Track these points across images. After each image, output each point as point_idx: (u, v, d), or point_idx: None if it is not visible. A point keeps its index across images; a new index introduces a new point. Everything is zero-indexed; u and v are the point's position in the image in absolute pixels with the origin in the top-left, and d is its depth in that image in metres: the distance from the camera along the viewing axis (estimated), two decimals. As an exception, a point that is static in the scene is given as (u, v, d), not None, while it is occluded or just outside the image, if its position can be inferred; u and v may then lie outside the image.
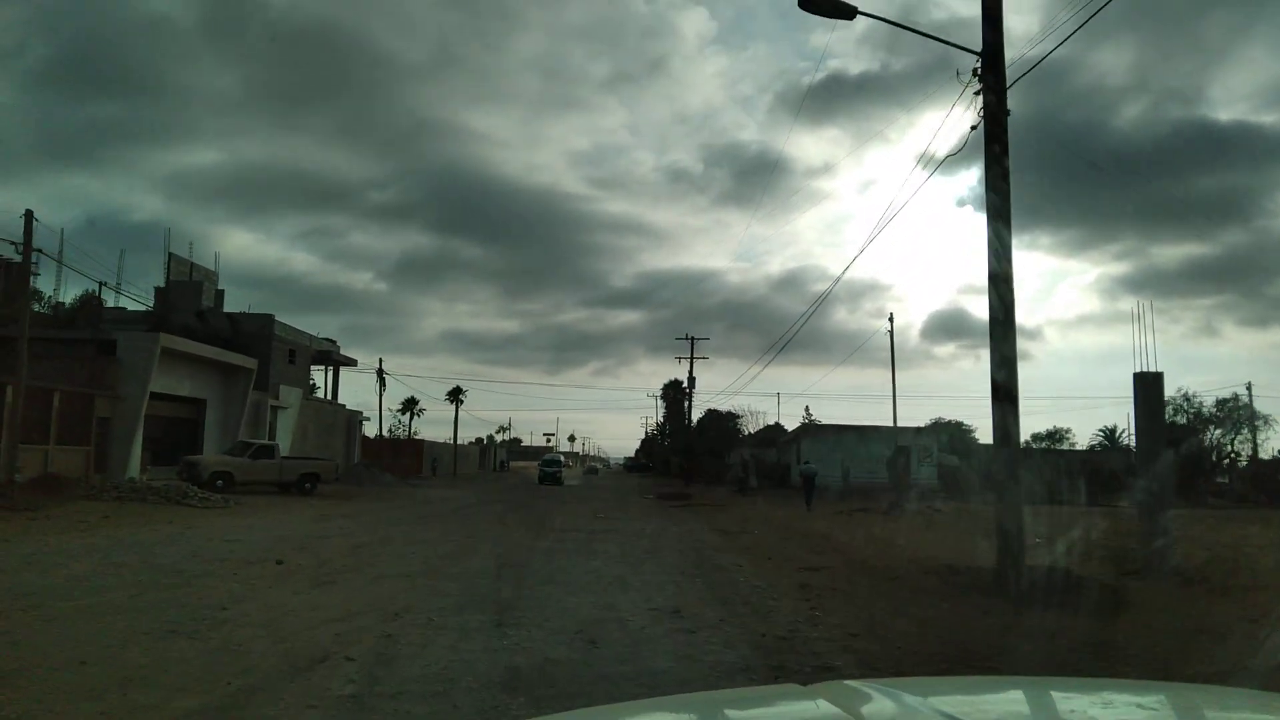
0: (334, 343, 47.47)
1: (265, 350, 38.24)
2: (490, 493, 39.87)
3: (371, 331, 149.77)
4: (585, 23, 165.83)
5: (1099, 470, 41.22)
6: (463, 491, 40.21)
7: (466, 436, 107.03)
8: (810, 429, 42.82)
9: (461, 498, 34.13)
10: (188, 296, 38.91)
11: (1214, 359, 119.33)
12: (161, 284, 38.87)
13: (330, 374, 48.78)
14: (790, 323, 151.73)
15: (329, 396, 48.15)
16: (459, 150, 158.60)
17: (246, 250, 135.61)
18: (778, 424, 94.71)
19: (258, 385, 37.16)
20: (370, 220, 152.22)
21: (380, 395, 48.75)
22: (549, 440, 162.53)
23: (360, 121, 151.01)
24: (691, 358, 61.34)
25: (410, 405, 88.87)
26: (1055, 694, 1.83)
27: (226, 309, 40.77)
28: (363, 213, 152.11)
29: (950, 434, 44.17)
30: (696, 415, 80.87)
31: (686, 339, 61.75)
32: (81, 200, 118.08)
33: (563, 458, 62.37)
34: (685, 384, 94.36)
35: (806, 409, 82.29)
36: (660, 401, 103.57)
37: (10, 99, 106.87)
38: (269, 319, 39.39)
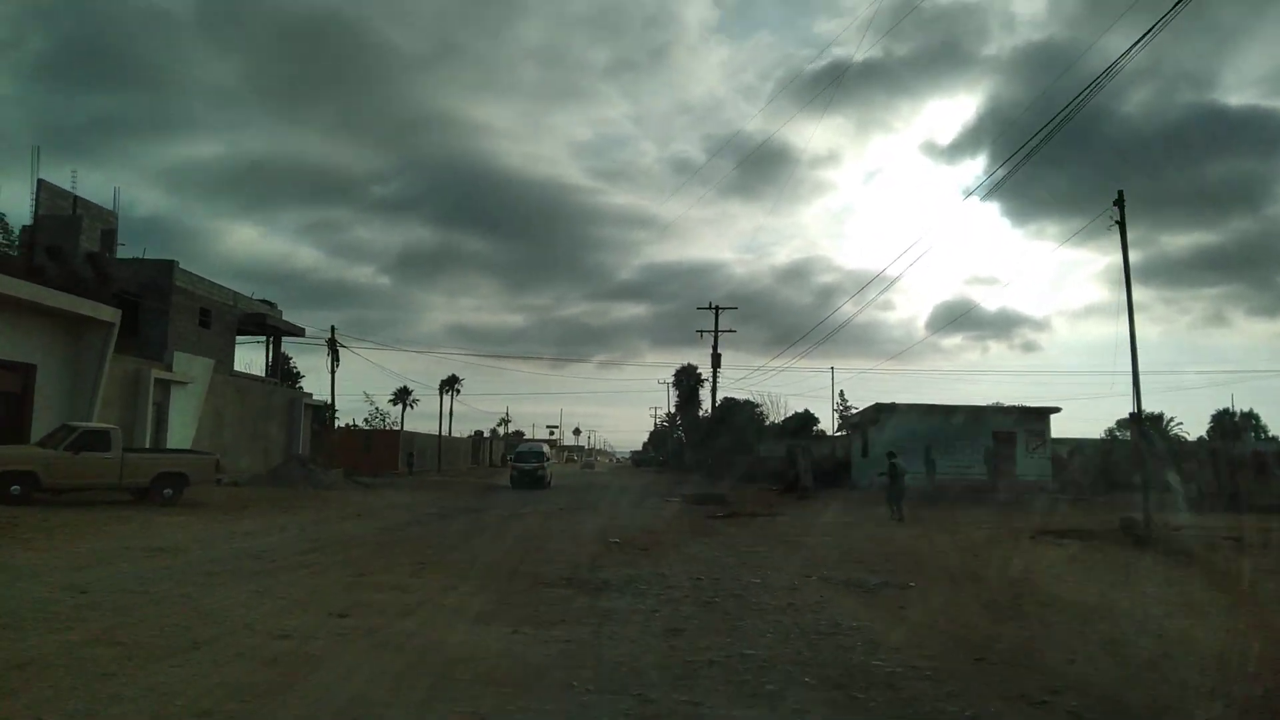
0: (271, 305, 37.66)
1: (160, 306, 28.43)
2: (461, 497, 30.00)
3: (374, 326, 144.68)
4: (586, 11, 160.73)
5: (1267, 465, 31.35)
6: (427, 495, 30.38)
7: (465, 430, 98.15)
8: (885, 410, 32.79)
9: (413, 505, 24.33)
10: (61, 235, 29.11)
11: (1223, 349, 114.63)
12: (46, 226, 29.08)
13: (271, 346, 38.98)
14: (798, 314, 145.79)
15: (270, 374, 38.35)
16: (461, 142, 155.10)
17: (251, 245, 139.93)
18: (806, 411, 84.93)
19: (145, 352, 27.34)
20: (373, 214, 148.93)
21: (332, 372, 39.07)
22: (552, 433, 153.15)
23: (362, 114, 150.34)
24: (716, 331, 51.44)
25: (403, 395, 79.52)
26: None
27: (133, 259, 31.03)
28: (366, 206, 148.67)
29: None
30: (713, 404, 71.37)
31: (710, 308, 51.88)
32: (82, 194, 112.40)
33: (546, 449, 43.68)
34: (700, 370, 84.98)
35: (841, 394, 72.25)
36: (672, 390, 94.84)
37: (9, 91, 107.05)
38: (168, 266, 29.62)
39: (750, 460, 55.62)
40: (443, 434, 66.64)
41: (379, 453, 54.21)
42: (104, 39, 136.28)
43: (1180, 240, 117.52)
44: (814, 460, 34.97)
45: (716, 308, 51.71)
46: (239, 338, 38.82)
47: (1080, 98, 13.68)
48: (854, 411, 36.53)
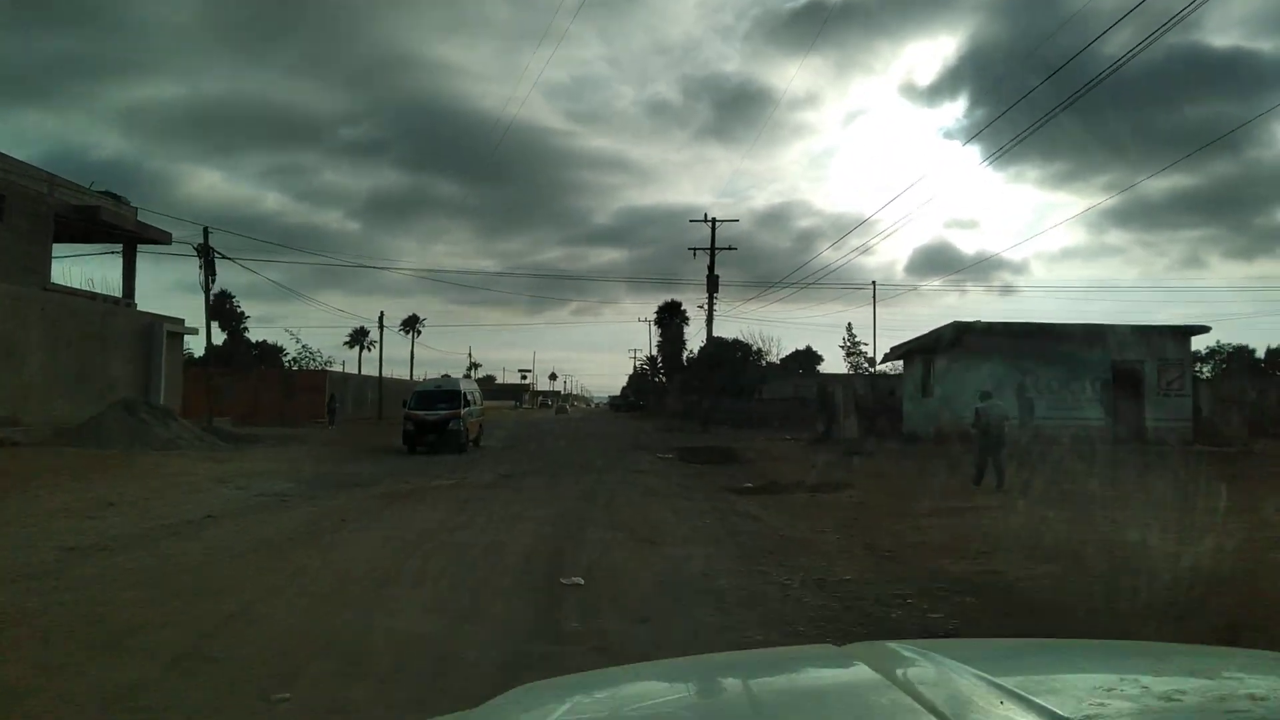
0: (118, 198, 27.63)
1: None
2: (343, 463, 20.55)
3: (345, 274, 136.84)
4: None
5: None
6: (297, 460, 21.01)
7: (430, 374, 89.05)
8: (963, 331, 23.52)
9: (233, 482, 14.89)
10: None
11: (1199, 292, 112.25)
12: None
13: (126, 257, 29.01)
14: (779, 259, 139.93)
15: (127, 294, 28.45)
16: (432, 84, 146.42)
17: (215, 189, 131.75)
18: (809, 349, 75.89)
19: None
20: (341, 157, 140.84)
21: (206, 289, 29.16)
22: (524, 378, 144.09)
23: (327, 54, 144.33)
24: (712, 248, 41.93)
25: (360, 337, 69.77)
26: (1108, 658, 1.78)
27: None
28: (333, 150, 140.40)
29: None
30: (699, 343, 62.22)
31: (705, 220, 42.32)
32: (40, 139, 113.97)
33: (467, 386, 27.36)
34: (684, 308, 75.49)
35: (849, 328, 63.20)
36: (654, 329, 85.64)
37: None
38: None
39: (753, 404, 46.79)
40: (389, 378, 57.08)
41: (303, 398, 44.68)
42: None
43: (1159, 182, 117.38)
44: (858, 402, 25.87)
45: (713, 220, 42.18)
46: (82, 245, 29.10)
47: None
48: (910, 339, 27.15)
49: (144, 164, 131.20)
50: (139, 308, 28.81)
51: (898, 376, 37.83)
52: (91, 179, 27.96)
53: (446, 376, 33.24)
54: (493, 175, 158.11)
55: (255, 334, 66.06)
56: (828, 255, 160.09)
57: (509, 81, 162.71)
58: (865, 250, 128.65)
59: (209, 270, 28.72)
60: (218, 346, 69.87)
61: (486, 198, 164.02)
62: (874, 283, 44.71)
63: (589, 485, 15.70)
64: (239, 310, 71.66)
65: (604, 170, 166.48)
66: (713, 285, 41.80)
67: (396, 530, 9.32)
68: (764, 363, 53.53)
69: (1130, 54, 13.52)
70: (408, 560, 7.42)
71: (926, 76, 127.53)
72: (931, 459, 20.72)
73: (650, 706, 1.65)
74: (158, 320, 28.24)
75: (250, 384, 44.97)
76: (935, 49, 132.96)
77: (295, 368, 50.94)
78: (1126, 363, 23.30)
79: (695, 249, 42.75)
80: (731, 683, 1.78)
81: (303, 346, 56.81)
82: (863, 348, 63.45)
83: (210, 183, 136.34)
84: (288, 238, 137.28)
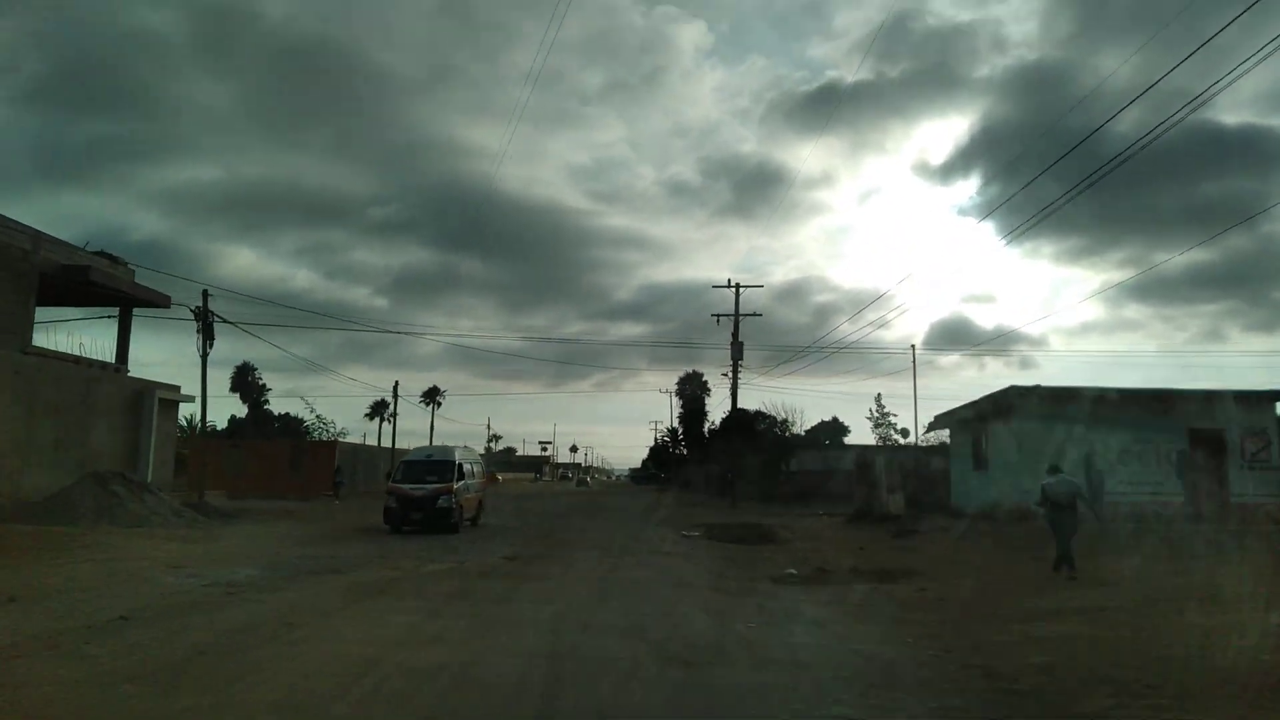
0: (113, 259, 26.19)
1: None
2: (325, 543, 18.32)
3: (371, 347, 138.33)
4: (581, 36, 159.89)
5: None
6: (278, 539, 18.87)
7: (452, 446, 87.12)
8: (1022, 396, 21.16)
9: (188, 568, 12.73)
10: None
11: (1221, 365, 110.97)
12: None
13: (121, 322, 27.46)
14: (797, 334, 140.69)
15: (120, 359, 26.79)
16: (458, 165, 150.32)
17: (249, 269, 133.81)
18: (835, 420, 73.34)
19: None
20: (371, 236, 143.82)
21: (204, 355, 27.31)
22: (544, 450, 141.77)
23: (358, 137, 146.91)
24: (737, 315, 40.04)
25: (380, 409, 68.40)
26: None
27: None
28: (363, 229, 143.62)
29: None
30: (720, 414, 59.94)
31: (729, 286, 40.50)
32: (79, 218, 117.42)
33: (465, 455, 24.14)
34: (706, 379, 73.39)
35: (878, 398, 60.72)
36: (675, 400, 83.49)
37: (6, 116, 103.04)
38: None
39: (781, 478, 44.16)
40: (397, 447, 55.05)
41: (312, 470, 42.60)
42: (100, 63, 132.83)
43: (1175, 259, 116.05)
44: (903, 475, 23.44)
45: (737, 285, 40.35)
46: (73, 309, 27.63)
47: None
48: (958, 407, 24.86)
49: (181, 243, 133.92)
50: (143, 375, 27.17)
51: (938, 448, 35.31)
52: (87, 240, 26.45)
53: (440, 446, 29.02)
54: (517, 253, 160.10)
55: (280, 406, 64.47)
56: (845, 330, 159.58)
57: (533, 163, 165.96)
58: (882, 325, 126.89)
59: (207, 335, 26.99)
60: (240, 419, 68.65)
61: (511, 275, 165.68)
62: (913, 347, 42.56)
63: (606, 571, 13.42)
64: (260, 383, 70.57)
65: (625, 248, 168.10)
66: (737, 352, 39.76)
67: (346, 644, 7.11)
68: (789, 434, 50.97)
69: (1151, 137, 12.41)
70: (335, 704, 5.22)
71: (939, 155, 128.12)
72: (991, 540, 18.28)
73: None
74: (149, 387, 26.48)
75: (258, 455, 43.03)
76: (947, 128, 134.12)
77: (314, 438, 49.06)
78: (1204, 431, 20.84)
79: (719, 315, 40.85)
80: None
81: (316, 416, 55.24)
82: (891, 419, 60.99)
83: (245, 261, 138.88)
84: (318, 312, 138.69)
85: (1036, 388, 21.13)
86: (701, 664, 6.51)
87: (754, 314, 41.79)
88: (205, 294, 27.12)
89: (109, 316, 28.22)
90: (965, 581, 12.09)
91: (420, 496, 20.49)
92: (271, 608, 9.08)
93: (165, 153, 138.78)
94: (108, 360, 26.38)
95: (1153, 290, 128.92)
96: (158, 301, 28.08)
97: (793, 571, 13.95)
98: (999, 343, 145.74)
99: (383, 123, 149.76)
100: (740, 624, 8.67)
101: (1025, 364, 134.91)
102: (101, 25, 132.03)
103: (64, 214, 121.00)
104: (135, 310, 28.16)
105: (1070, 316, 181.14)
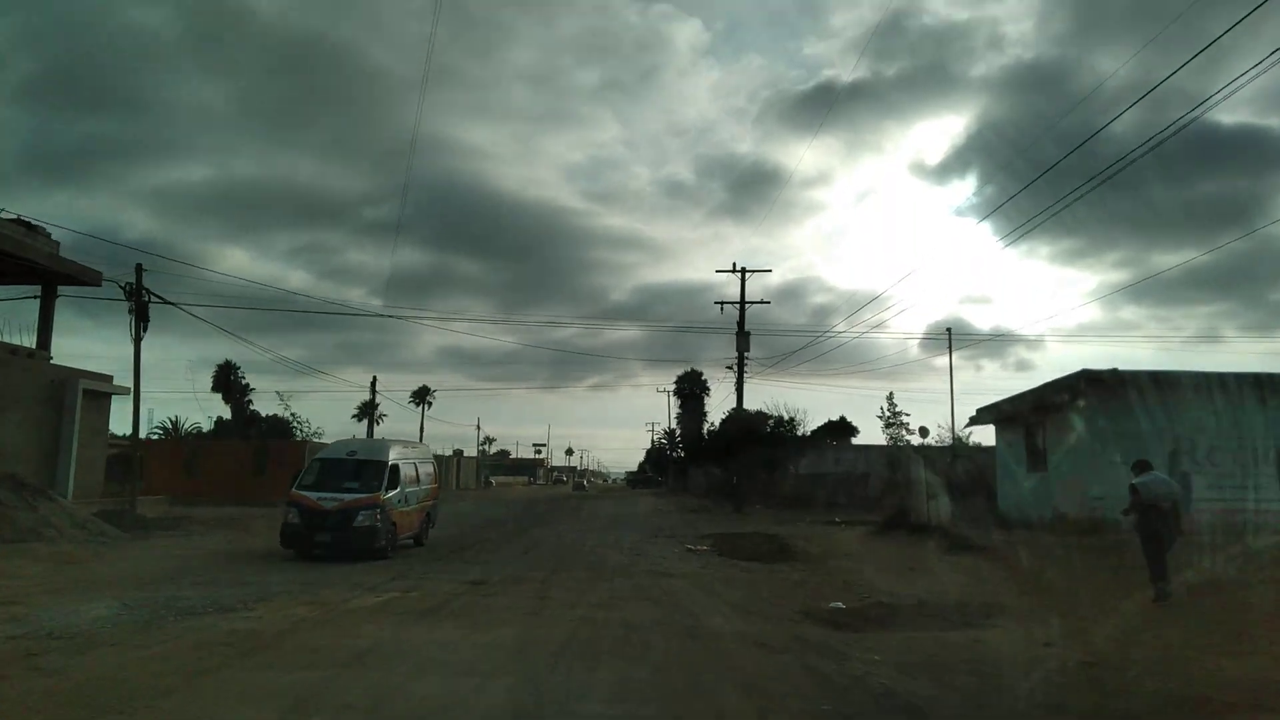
0: (30, 227, 22.70)
1: None
2: (262, 565, 14.80)
3: (365, 349, 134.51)
4: (576, 35, 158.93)
5: None
6: (214, 550, 15.48)
7: (443, 451, 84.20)
8: (1091, 384, 17.75)
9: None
10: None
11: (1217, 366, 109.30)
12: None
13: (44, 301, 24.00)
14: (792, 334, 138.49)
15: (41, 344, 23.28)
16: (453, 165, 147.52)
17: (242, 270, 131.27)
18: (843, 419, 69.96)
19: None
20: (364, 237, 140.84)
21: (137, 340, 23.71)
22: (538, 452, 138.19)
23: (353, 137, 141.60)
24: (743, 301, 36.70)
25: (369, 409, 64.98)
26: None
27: None
28: (356, 229, 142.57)
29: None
30: (719, 416, 56.58)
31: (734, 271, 37.14)
32: (70, 217, 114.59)
33: (401, 454, 17.72)
34: (704, 377, 69.58)
35: (890, 396, 57.25)
36: (673, 399, 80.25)
37: None
38: None
39: (790, 480, 40.77)
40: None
41: (277, 473, 39.01)
42: (92, 62, 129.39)
43: (1171, 259, 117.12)
44: (940, 480, 20.04)
45: (743, 270, 37.02)
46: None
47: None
48: (1007, 398, 21.54)
49: (173, 244, 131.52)
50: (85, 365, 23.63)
51: (972, 448, 31.96)
52: (1, 206, 22.90)
53: (371, 440, 24.74)
54: (512, 254, 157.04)
55: (270, 408, 60.65)
56: (842, 330, 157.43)
57: (528, 163, 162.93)
58: (878, 326, 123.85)
59: (140, 317, 23.49)
60: (226, 420, 64.99)
61: (506, 275, 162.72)
62: (949, 330, 38.98)
63: (593, 607, 10.04)
64: (244, 382, 66.96)
65: (621, 248, 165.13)
66: (743, 342, 36.40)
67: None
68: (796, 434, 47.49)
69: (1156, 141, 11.71)
70: None
71: (936, 155, 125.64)
72: (1066, 556, 14.94)
73: None
74: (71, 376, 23.04)
75: (217, 457, 39.58)
76: (943, 128, 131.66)
77: (301, 439, 45.56)
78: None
79: (723, 302, 37.52)
80: None
81: (291, 415, 51.70)
82: (904, 418, 57.67)
83: (238, 262, 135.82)
84: (310, 314, 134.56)
85: (1113, 371, 17.75)
86: None
87: (762, 301, 38.59)
88: (139, 269, 23.61)
89: (32, 297, 24.86)
90: (1086, 627, 8.74)
91: (331, 510, 14.97)
92: (71, 682, 5.73)
93: (157, 152, 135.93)
94: (23, 345, 22.95)
95: (1149, 291, 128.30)
96: (86, 278, 24.59)
97: (840, 605, 10.59)
98: (998, 343, 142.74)
99: (378, 122, 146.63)
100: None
101: (1022, 366, 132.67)
102: (92, 23, 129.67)
103: (53, 213, 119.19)
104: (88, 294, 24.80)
105: (1068, 318, 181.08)
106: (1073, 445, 18.06)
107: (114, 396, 25.57)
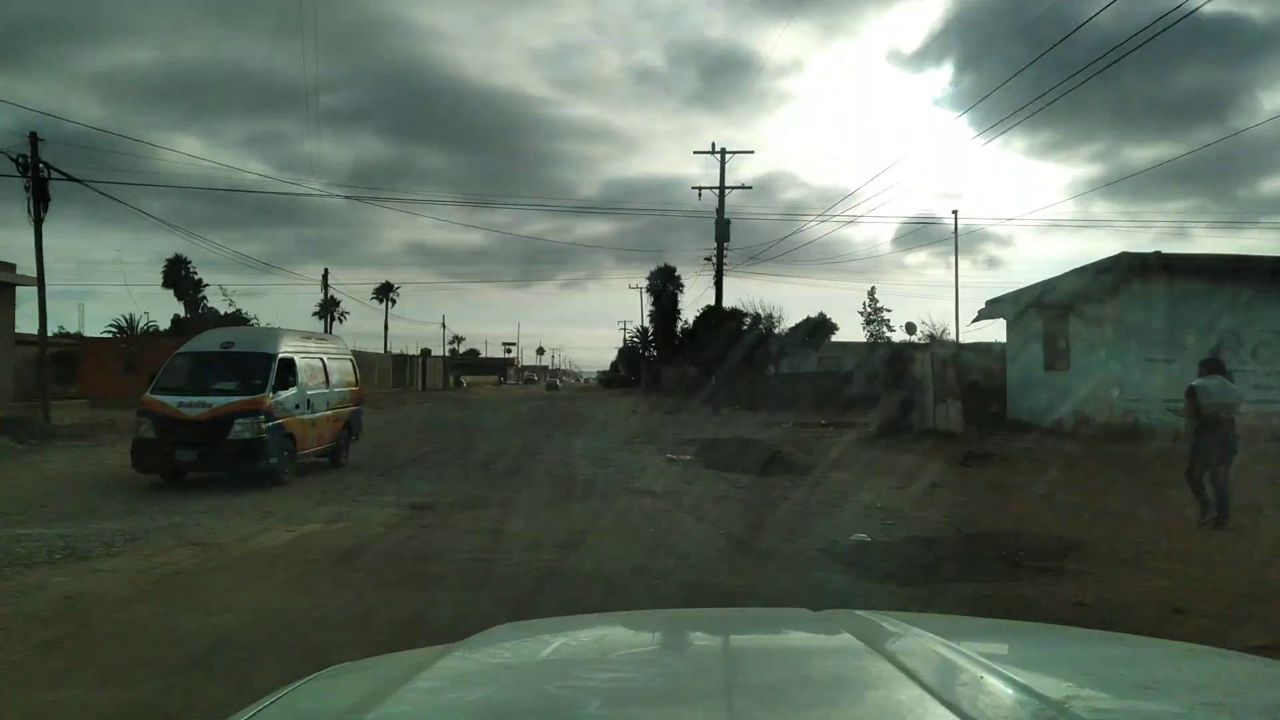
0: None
1: None
2: (153, 484, 12.36)
3: (329, 245, 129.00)
4: None
5: None
6: (101, 465, 13.05)
7: (411, 351, 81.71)
8: (1130, 271, 15.59)
9: None
10: None
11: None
12: None
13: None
14: (765, 231, 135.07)
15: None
16: (414, 49, 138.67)
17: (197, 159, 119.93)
18: (821, 315, 68.21)
19: None
20: (322, 125, 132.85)
21: (37, 220, 20.70)
22: (509, 351, 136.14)
23: (307, 17, 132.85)
24: (722, 186, 33.97)
25: (330, 307, 62.05)
26: (1091, 645, 1.72)
27: None
28: (313, 118, 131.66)
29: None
30: (694, 314, 54.41)
31: (714, 152, 34.24)
32: (7, 106, 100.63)
33: (316, 358, 14.19)
34: (679, 273, 66.86)
35: (871, 292, 55.31)
36: (646, 296, 77.91)
37: None
38: None
39: (769, 381, 38.96)
40: (358, 350, 48.98)
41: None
42: None
43: (1144, 153, 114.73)
44: (951, 379, 18.03)
45: (722, 151, 34.13)
46: None
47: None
48: (1024, 288, 19.41)
49: (123, 132, 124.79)
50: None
51: (971, 346, 30.11)
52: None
53: (253, 330, 20.84)
54: (477, 145, 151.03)
55: (226, 305, 57.36)
56: (814, 228, 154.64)
57: (491, 47, 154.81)
58: (853, 222, 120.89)
59: (38, 194, 20.39)
60: (184, 318, 61.71)
61: (470, 170, 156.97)
62: (955, 212, 36.79)
63: (558, 548, 7.90)
64: (196, 278, 63.20)
65: (589, 140, 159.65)
66: (723, 229, 33.86)
67: None
68: (774, 332, 45.49)
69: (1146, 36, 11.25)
70: None
71: (913, 42, 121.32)
72: (1103, 467, 13.12)
73: (636, 652, 1.68)
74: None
75: (163, 355, 36.79)
76: (921, 9, 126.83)
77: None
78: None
79: (700, 188, 34.82)
80: (714, 635, 1.81)
81: (238, 310, 48.67)
82: (885, 314, 55.82)
83: (193, 150, 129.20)
84: (268, 207, 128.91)
85: (1156, 254, 15.58)
86: None
87: (744, 186, 35.87)
88: (33, 137, 20.35)
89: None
90: (1201, 575, 6.73)
91: (197, 420, 11.57)
92: None
93: (100, 33, 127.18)
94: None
95: (1121, 186, 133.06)
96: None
97: (865, 538, 8.54)
98: (970, 239, 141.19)
99: (332, 3, 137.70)
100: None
101: (993, 263, 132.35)
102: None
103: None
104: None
105: (1040, 214, 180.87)
106: (1104, 340, 16.02)
107: (21, 289, 22.73)
